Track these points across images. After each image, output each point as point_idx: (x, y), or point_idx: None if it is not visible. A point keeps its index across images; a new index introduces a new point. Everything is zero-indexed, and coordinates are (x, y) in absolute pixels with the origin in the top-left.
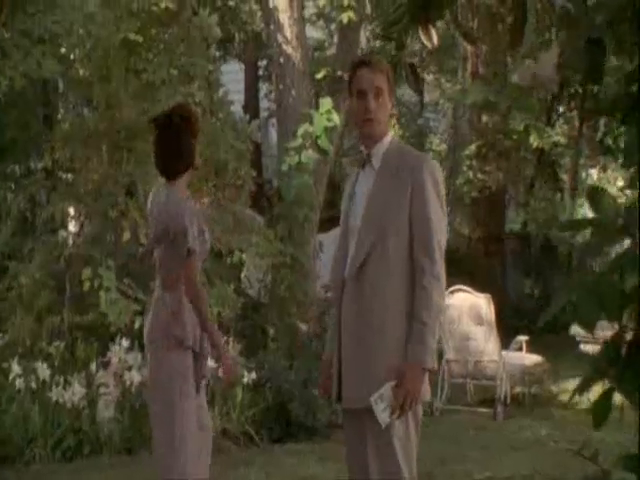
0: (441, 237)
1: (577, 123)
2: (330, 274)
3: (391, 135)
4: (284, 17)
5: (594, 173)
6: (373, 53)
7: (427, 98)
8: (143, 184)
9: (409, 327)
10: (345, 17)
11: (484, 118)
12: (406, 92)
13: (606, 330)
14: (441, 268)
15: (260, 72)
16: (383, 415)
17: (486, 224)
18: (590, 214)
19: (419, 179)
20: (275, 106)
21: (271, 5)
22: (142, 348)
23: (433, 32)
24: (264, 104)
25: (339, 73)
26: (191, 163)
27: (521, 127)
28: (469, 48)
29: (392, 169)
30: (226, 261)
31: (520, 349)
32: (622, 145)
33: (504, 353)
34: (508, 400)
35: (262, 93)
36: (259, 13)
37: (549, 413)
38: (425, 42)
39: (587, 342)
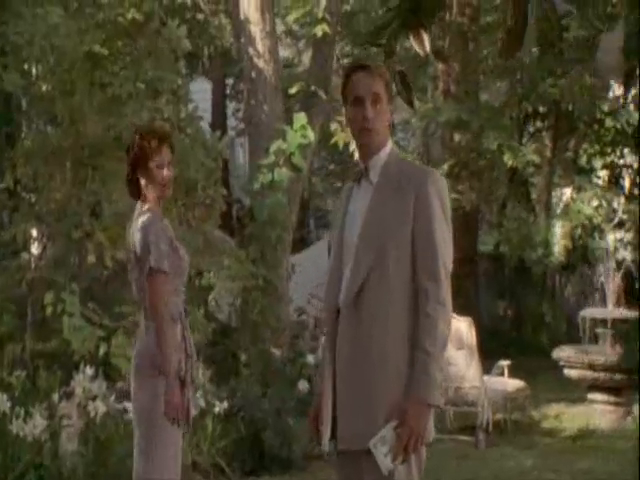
0: (447, 259)
1: (549, 142)
2: (324, 300)
3: (390, 146)
4: (255, 30)
5: (568, 193)
6: (368, 58)
7: (396, 117)
8: (109, 203)
9: (412, 358)
10: (319, 30)
11: (456, 137)
12: None
13: (591, 354)
14: (447, 293)
15: (228, 90)
16: (385, 461)
17: (459, 245)
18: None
19: (423, 194)
20: (244, 124)
21: (242, 17)
22: (107, 376)
23: (425, 37)
24: (231, 123)
25: (313, 88)
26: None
27: (494, 146)
28: (440, 66)
29: (392, 183)
30: (195, 284)
31: (502, 374)
32: (596, 165)
33: (485, 378)
34: (490, 427)
35: (230, 112)
36: (229, 27)
37: (532, 441)
38: (417, 48)
39: (571, 367)
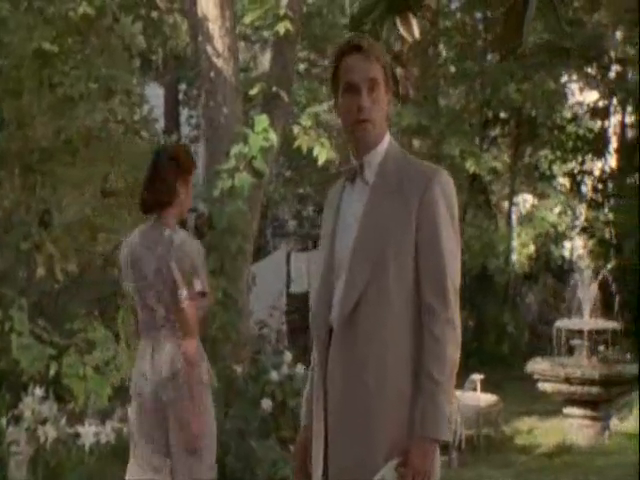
0: (455, 273)
1: (510, 148)
2: (311, 320)
3: (389, 140)
4: (214, 27)
5: (529, 200)
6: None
7: None
8: (59, 212)
9: (417, 387)
10: (281, 28)
11: (416, 143)
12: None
13: (567, 367)
14: (456, 311)
15: (181, 96)
16: None
17: None
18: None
19: (428, 197)
20: (203, 126)
21: (200, 14)
22: (58, 398)
23: (414, 23)
24: (184, 130)
25: (274, 89)
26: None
27: (456, 152)
28: (399, 71)
29: (392, 184)
30: None
31: (475, 389)
32: (557, 172)
33: (458, 394)
34: (463, 445)
35: (183, 118)
36: (184, 26)
37: (507, 459)
38: (405, 34)
39: (546, 380)
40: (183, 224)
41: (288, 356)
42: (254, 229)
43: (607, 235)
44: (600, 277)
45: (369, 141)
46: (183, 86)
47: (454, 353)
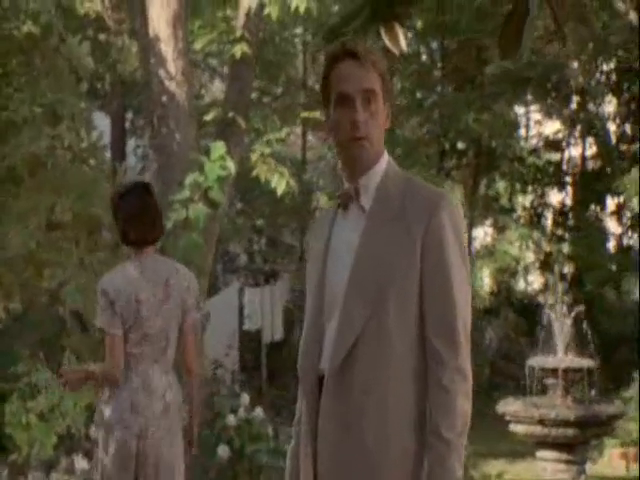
0: (466, 313)
1: (468, 179)
2: (298, 367)
3: (387, 159)
4: (167, 49)
5: (489, 232)
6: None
7: (309, 152)
8: (2, 246)
9: (422, 444)
10: (238, 51)
11: None
12: (290, 150)
13: (541, 408)
14: (467, 357)
15: (127, 125)
16: None
17: None
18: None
19: (434, 225)
20: (147, 159)
21: (151, 34)
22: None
23: (400, 33)
24: (131, 161)
25: (231, 115)
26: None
27: None
28: None
29: (392, 210)
30: (92, 335)
31: None
32: (517, 204)
33: None
34: None
35: (129, 149)
36: (134, 49)
37: None
38: (390, 46)
39: (518, 421)
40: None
41: (245, 398)
42: (209, 263)
43: (568, 269)
44: (574, 313)
45: (365, 161)
46: (130, 115)
47: (465, 406)
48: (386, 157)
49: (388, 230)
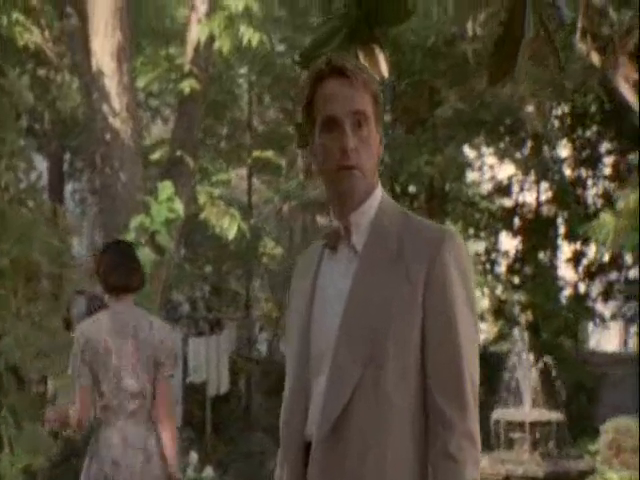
0: (474, 369)
1: None
2: (281, 432)
3: (381, 192)
4: (111, 83)
5: None
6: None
7: (255, 196)
8: None
9: None
10: (186, 86)
11: (320, 220)
12: (236, 191)
13: (507, 464)
14: (475, 420)
15: (65, 167)
16: None
17: None
18: None
19: (438, 268)
20: (86, 203)
21: (94, 68)
22: None
23: (381, 58)
24: (69, 206)
25: (179, 153)
26: None
27: None
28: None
29: (388, 251)
30: (30, 391)
31: None
32: (470, 250)
33: None
34: None
35: (67, 193)
36: (75, 85)
37: None
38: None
39: (484, 479)
40: (68, 310)
41: (194, 457)
42: (155, 313)
43: (524, 317)
44: (541, 363)
45: (357, 195)
46: (68, 156)
47: (474, 474)
48: (380, 190)
49: (384, 273)
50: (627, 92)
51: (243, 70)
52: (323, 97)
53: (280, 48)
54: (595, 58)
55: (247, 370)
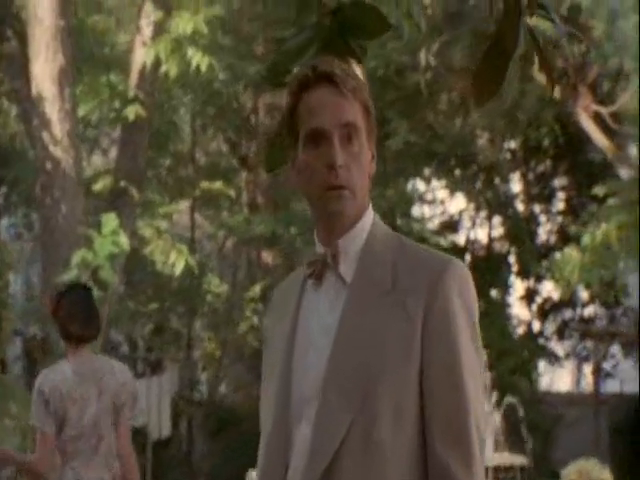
0: (480, 413)
1: None
2: None
3: (372, 216)
4: (52, 109)
5: None
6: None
7: (198, 231)
8: None
9: None
10: (131, 112)
11: (266, 255)
12: (177, 227)
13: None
14: (481, 473)
15: (1, 201)
16: None
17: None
18: None
19: (439, 301)
20: (22, 239)
21: (34, 94)
22: None
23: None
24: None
25: (123, 184)
26: None
27: None
28: (245, 175)
29: (382, 281)
30: None
31: None
32: None
33: None
34: None
35: (2, 228)
36: (13, 112)
37: None
38: None
39: None
40: (3, 351)
41: None
42: (98, 353)
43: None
44: (504, 406)
45: (346, 218)
46: (4, 189)
47: None
48: (371, 213)
49: (377, 307)
50: (587, 123)
51: (186, 99)
52: (308, 107)
53: (222, 76)
54: (554, 89)
55: (189, 413)
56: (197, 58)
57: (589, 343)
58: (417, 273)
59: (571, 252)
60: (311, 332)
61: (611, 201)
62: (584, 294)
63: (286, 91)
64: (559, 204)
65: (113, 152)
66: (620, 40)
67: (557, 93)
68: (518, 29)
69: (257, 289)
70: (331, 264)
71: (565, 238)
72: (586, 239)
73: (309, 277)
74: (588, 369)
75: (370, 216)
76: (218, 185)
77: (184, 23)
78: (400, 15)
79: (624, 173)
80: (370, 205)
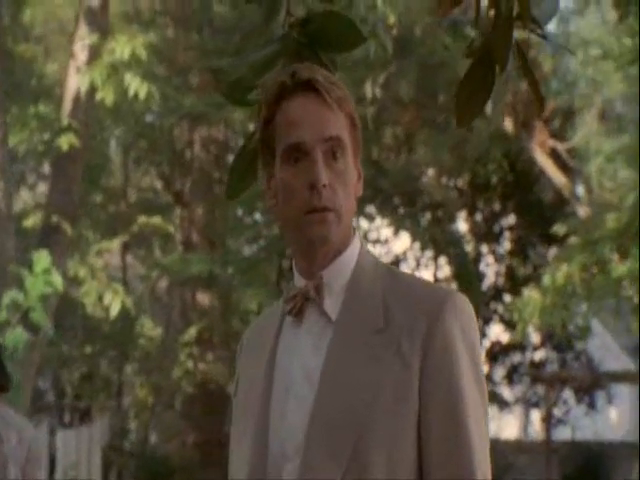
0: (486, 461)
1: None
2: None
3: (360, 244)
4: None
5: None
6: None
7: (130, 272)
8: None
9: None
10: (64, 143)
11: (201, 297)
12: (110, 265)
13: None
14: None
15: None
16: None
17: (202, 427)
18: None
19: (438, 340)
20: None
21: None
22: None
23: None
24: None
25: (55, 219)
26: None
27: (253, 307)
28: (180, 211)
29: (371, 319)
30: None
31: None
32: None
33: None
34: None
35: None
36: None
37: None
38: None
39: None
40: None
41: None
42: (26, 404)
43: None
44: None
45: (331, 245)
46: None
47: None
48: (358, 240)
49: (367, 348)
50: (542, 159)
51: (118, 131)
52: (286, 119)
53: (155, 108)
54: (508, 124)
55: (119, 463)
56: (135, 84)
57: (540, 388)
58: (412, 309)
59: (530, 294)
60: (291, 376)
61: (572, 240)
62: (535, 337)
63: (261, 101)
64: (507, 244)
65: (41, 187)
66: (568, 77)
67: (510, 128)
68: (510, 42)
69: (192, 332)
70: (314, 299)
71: (513, 279)
72: (547, 280)
73: (288, 314)
74: (536, 415)
75: (357, 244)
76: (157, 220)
77: (121, 47)
78: (366, 34)
79: (582, 211)
80: (357, 232)
